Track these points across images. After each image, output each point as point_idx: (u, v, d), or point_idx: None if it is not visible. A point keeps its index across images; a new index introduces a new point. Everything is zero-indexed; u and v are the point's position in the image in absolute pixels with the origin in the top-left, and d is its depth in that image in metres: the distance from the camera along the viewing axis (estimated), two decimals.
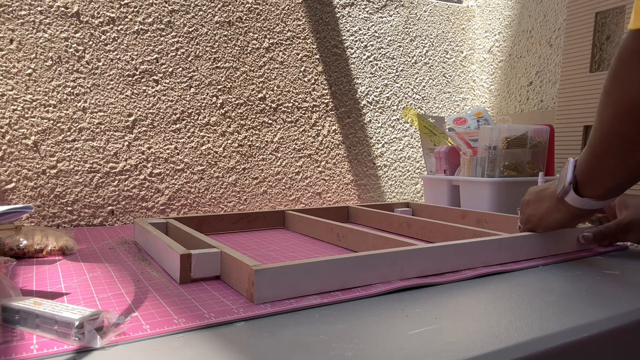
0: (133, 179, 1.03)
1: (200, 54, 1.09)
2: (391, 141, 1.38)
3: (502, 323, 0.43)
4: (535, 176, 0.97)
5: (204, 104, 1.10)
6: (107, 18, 0.99)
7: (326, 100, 1.26)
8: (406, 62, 1.40)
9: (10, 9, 0.91)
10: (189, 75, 1.08)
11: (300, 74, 1.22)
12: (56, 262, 0.67)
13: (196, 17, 1.08)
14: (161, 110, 1.06)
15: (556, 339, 0.40)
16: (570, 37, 1.22)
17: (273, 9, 1.17)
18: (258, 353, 0.37)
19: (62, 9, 0.95)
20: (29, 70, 0.93)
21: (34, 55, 0.93)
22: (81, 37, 0.97)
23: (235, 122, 1.14)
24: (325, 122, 1.26)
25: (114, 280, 0.57)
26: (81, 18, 0.97)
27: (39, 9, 0.93)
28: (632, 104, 0.49)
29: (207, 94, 1.10)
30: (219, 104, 1.12)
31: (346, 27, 1.29)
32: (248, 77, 1.15)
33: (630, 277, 0.59)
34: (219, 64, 1.11)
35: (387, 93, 1.37)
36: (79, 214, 0.99)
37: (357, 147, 1.32)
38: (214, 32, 1.10)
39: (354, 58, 1.30)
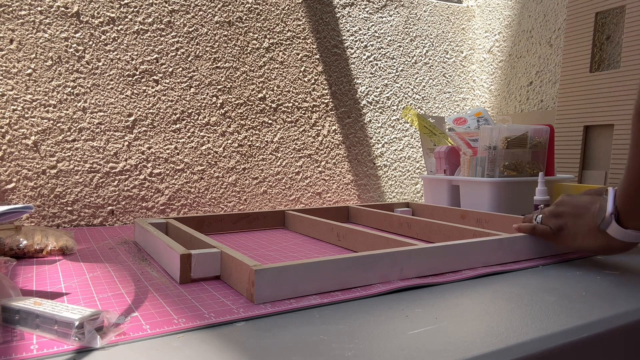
0: (133, 179, 1.03)
1: (200, 54, 1.09)
2: (391, 141, 1.38)
3: (502, 323, 0.43)
4: (535, 176, 0.97)
5: (204, 104, 1.10)
6: (107, 18, 0.99)
7: (326, 100, 1.26)
8: (406, 62, 1.40)
9: (10, 9, 0.91)
10: (189, 75, 1.08)
11: (300, 74, 1.22)
12: (56, 262, 0.67)
13: (196, 17, 1.08)
14: (161, 110, 1.06)
15: (556, 339, 0.40)
16: (570, 37, 1.22)
17: (273, 9, 1.17)
18: (258, 353, 0.37)
19: (62, 9, 0.95)
20: (29, 70, 0.93)
21: (34, 55, 0.93)
22: (81, 37, 0.97)
23: (235, 122, 1.14)
24: (325, 122, 1.26)
25: (114, 280, 0.57)
26: (81, 18, 0.97)
27: (39, 9, 0.93)
28: None
29: (207, 94, 1.10)
30: (219, 104, 1.12)
31: (346, 27, 1.29)
32: (248, 77, 1.15)
33: (630, 277, 0.59)
34: (219, 64, 1.11)
35: (387, 93, 1.37)
36: (79, 214, 0.99)
37: (357, 147, 1.32)
38: (214, 32, 1.10)
39: (354, 58, 1.30)
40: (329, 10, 1.26)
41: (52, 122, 0.95)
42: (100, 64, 0.99)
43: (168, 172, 1.07)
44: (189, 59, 1.08)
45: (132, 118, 1.03)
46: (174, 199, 1.07)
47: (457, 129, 1.12)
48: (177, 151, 1.08)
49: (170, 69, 1.06)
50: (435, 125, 1.18)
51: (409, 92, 1.41)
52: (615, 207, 0.56)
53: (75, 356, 0.36)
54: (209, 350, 0.37)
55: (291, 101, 1.21)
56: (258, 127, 1.17)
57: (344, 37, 1.29)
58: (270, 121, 1.18)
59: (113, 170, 1.01)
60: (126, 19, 1.01)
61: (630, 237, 0.56)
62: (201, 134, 1.10)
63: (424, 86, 1.44)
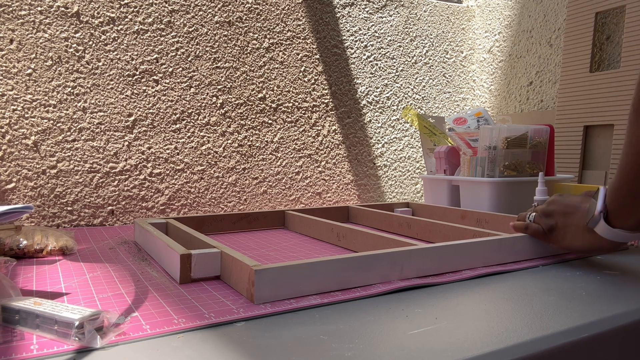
0: (133, 179, 1.03)
1: (200, 54, 1.09)
2: (391, 141, 1.38)
3: (502, 323, 0.43)
4: (535, 176, 0.97)
5: (204, 104, 1.10)
6: (107, 18, 0.99)
7: (326, 100, 1.26)
8: (406, 62, 1.40)
9: (10, 9, 0.91)
10: (189, 75, 1.08)
11: (300, 74, 1.22)
12: (56, 262, 0.67)
13: (196, 17, 1.08)
14: (161, 110, 1.06)
15: (556, 339, 0.40)
16: (570, 37, 1.22)
17: (273, 9, 1.17)
18: (258, 353, 0.37)
19: (62, 9, 0.95)
20: (29, 70, 0.93)
21: (34, 55, 0.93)
22: (81, 37, 0.97)
23: (235, 122, 1.14)
24: (325, 122, 1.26)
25: (114, 280, 0.57)
26: (81, 18, 0.97)
27: (39, 9, 0.93)
28: None
29: (207, 94, 1.10)
30: (219, 104, 1.12)
31: (346, 27, 1.29)
32: (248, 77, 1.15)
33: (630, 277, 0.59)
34: (219, 64, 1.11)
35: (387, 93, 1.37)
36: (79, 214, 0.99)
37: (357, 147, 1.32)
38: (214, 32, 1.10)
39: (354, 58, 1.30)
40: (329, 10, 1.26)
41: (52, 122, 0.95)
42: (100, 64, 0.99)
43: (168, 172, 1.07)
44: (189, 59, 1.08)
45: (132, 118, 1.03)
46: (174, 199, 1.07)
47: (457, 129, 1.12)
48: (177, 151, 1.08)
49: (170, 69, 1.06)
50: (435, 125, 1.18)
51: (409, 92, 1.41)
52: (605, 206, 0.56)
53: (75, 356, 0.36)
54: (209, 350, 0.37)
55: (291, 101, 1.21)
56: (258, 127, 1.17)
57: (344, 37, 1.29)
58: (270, 121, 1.18)
59: (113, 170, 1.01)
60: (126, 19, 1.01)
61: (617, 236, 0.56)
62: (201, 134, 1.10)
63: (424, 86, 1.44)
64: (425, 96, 1.44)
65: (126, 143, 1.02)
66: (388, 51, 1.36)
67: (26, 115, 0.93)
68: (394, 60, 1.37)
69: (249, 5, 1.14)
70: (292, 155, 1.22)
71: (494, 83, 1.49)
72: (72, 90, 0.97)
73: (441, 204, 1.09)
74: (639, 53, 1.07)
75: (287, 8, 1.19)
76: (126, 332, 0.40)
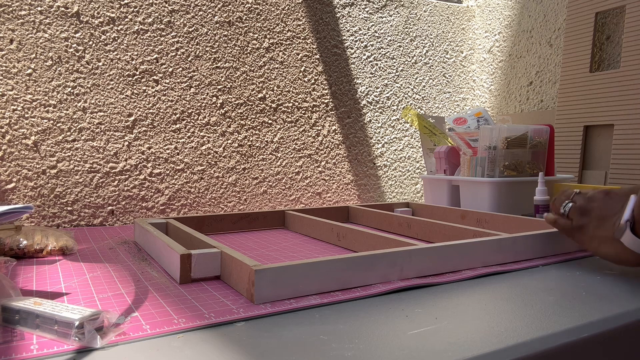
0: (133, 179, 1.03)
1: (200, 54, 1.09)
2: (391, 141, 1.38)
3: (502, 323, 0.43)
4: (535, 176, 0.97)
5: (204, 104, 1.10)
6: (107, 18, 0.99)
7: (326, 100, 1.26)
8: (406, 62, 1.40)
9: (10, 9, 0.91)
10: (189, 75, 1.08)
11: (300, 74, 1.22)
12: (56, 262, 0.67)
13: (196, 17, 1.08)
14: (161, 110, 1.06)
15: (556, 339, 0.40)
16: (570, 37, 1.22)
17: (273, 9, 1.17)
18: (258, 353, 0.37)
19: (62, 9, 0.95)
20: (29, 70, 0.93)
21: (34, 55, 0.93)
22: (81, 37, 0.97)
23: (235, 122, 1.14)
24: (325, 122, 1.26)
25: (114, 280, 0.57)
26: (81, 18, 0.97)
27: (39, 9, 0.93)
28: None
29: (207, 94, 1.10)
30: (219, 104, 1.12)
31: (346, 27, 1.29)
32: (248, 77, 1.15)
33: (630, 277, 0.59)
34: (219, 64, 1.11)
35: (387, 93, 1.37)
36: (79, 214, 0.99)
37: (357, 147, 1.32)
38: (214, 32, 1.10)
39: (354, 58, 1.30)
40: (329, 10, 1.26)
41: (52, 122, 0.95)
42: (100, 64, 0.99)
43: (168, 172, 1.07)
44: (189, 59, 1.08)
45: (132, 118, 1.03)
46: (174, 199, 1.07)
47: (457, 129, 1.12)
48: (177, 151, 1.08)
49: (170, 69, 1.06)
50: (435, 125, 1.18)
51: (409, 92, 1.41)
52: (633, 215, 0.52)
53: (75, 356, 0.36)
54: (209, 350, 0.37)
55: (291, 101, 1.21)
56: (258, 127, 1.17)
57: (344, 37, 1.29)
58: (270, 121, 1.18)
59: (113, 170, 1.01)
60: (126, 19, 1.01)
61: None
62: (201, 134, 1.10)
63: (424, 86, 1.44)
64: (425, 96, 1.44)
65: (126, 143, 1.02)
66: (388, 51, 1.36)
67: (26, 115, 0.93)
68: (394, 60, 1.37)
69: (249, 5, 1.14)
70: (292, 155, 1.22)
71: (494, 83, 1.49)
72: (72, 90, 0.97)
73: (441, 204, 1.08)
74: (639, 53, 1.07)
75: (287, 8, 1.19)
76: (126, 332, 0.40)
